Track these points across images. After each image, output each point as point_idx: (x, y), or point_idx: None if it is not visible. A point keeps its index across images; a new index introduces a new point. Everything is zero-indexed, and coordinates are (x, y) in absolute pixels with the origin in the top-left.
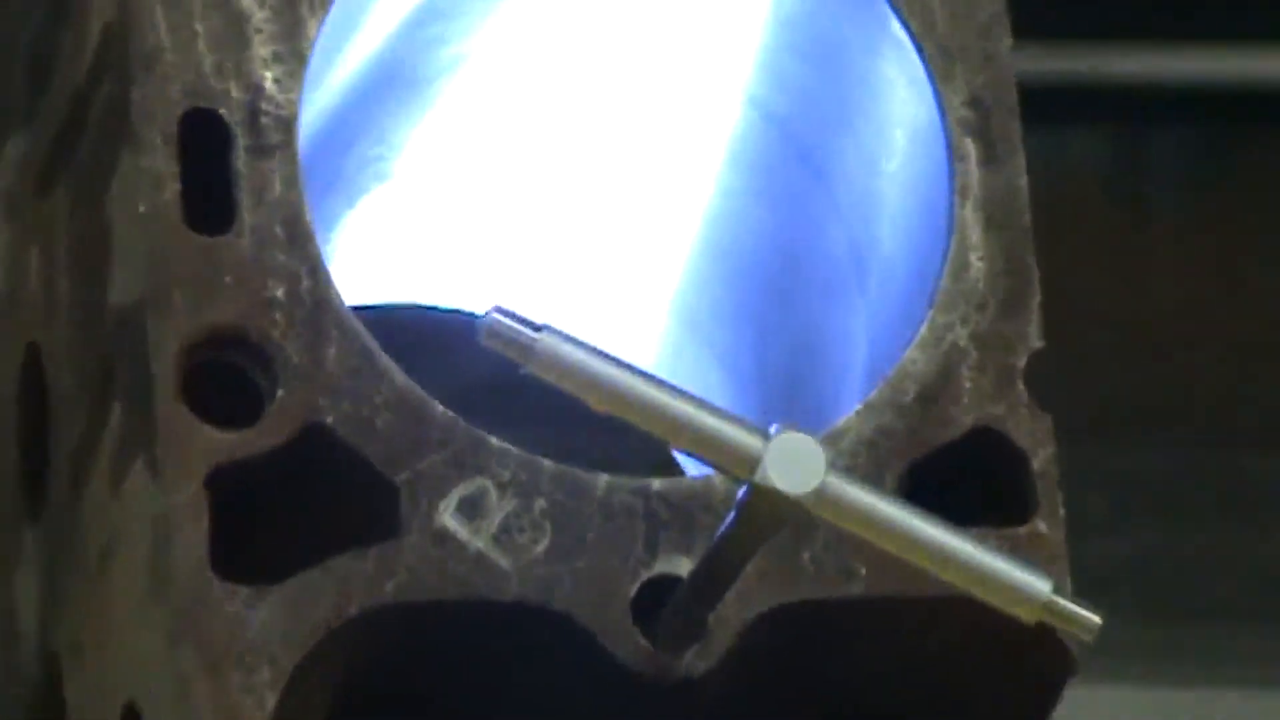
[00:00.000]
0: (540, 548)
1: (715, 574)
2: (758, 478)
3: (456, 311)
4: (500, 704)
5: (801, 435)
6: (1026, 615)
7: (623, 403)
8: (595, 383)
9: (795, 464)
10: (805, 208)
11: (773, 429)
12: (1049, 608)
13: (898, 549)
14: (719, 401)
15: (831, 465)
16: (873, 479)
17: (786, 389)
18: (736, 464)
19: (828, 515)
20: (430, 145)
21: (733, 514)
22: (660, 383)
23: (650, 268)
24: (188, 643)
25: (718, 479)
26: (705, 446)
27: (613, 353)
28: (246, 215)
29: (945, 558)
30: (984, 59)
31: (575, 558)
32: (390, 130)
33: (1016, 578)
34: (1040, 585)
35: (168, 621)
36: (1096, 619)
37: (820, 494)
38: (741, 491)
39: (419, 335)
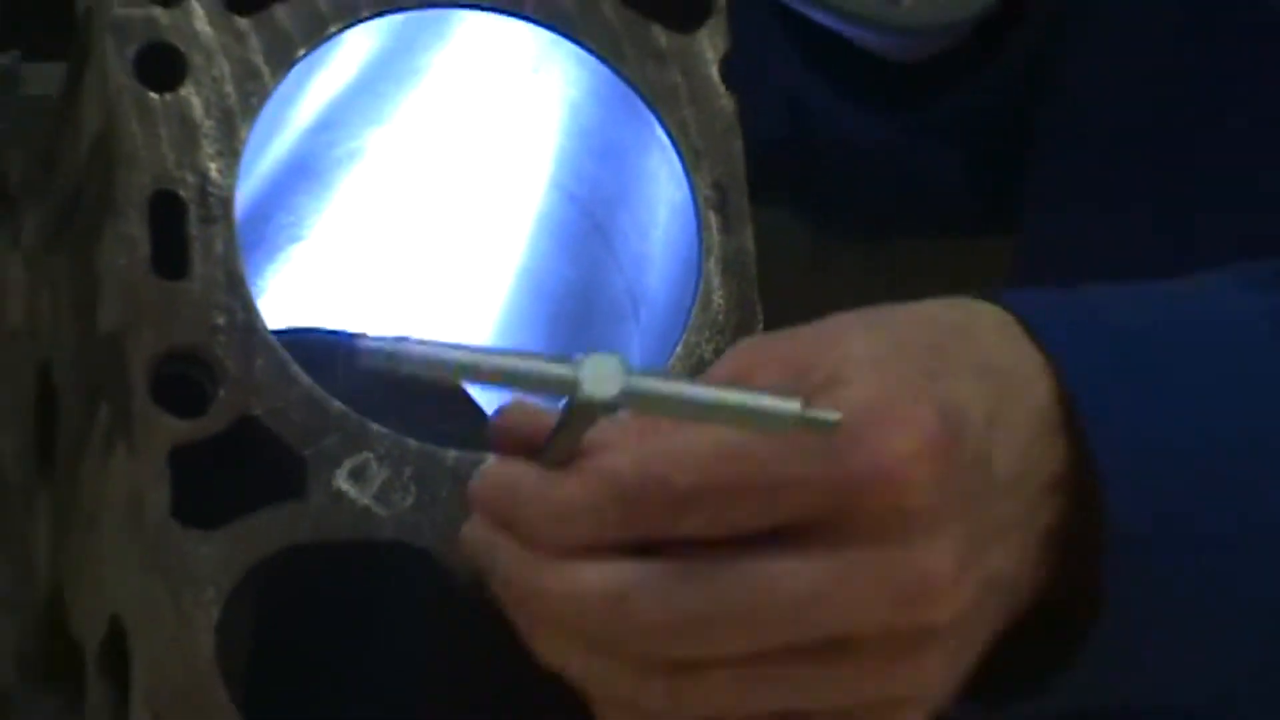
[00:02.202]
0: (408, 503)
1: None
2: (578, 393)
3: (347, 332)
4: (376, 639)
5: (602, 356)
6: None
7: (475, 369)
8: (455, 361)
9: (602, 377)
10: (596, 263)
11: (578, 356)
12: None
13: (696, 417)
14: None
15: (629, 372)
16: None
17: None
18: (560, 386)
19: (637, 408)
20: (328, 214)
21: (556, 425)
22: (496, 349)
23: (485, 306)
24: (155, 571)
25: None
26: (531, 382)
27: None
28: (197, 267)
29: (731, 410)
30: (725, 155)
31: (434, 510)
32: (300, 205)
33: (768, 404)
34: (790, 404)
35: (140, 556)
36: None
37: (627, 393)
38: (564, 404)
39: (320, 350)
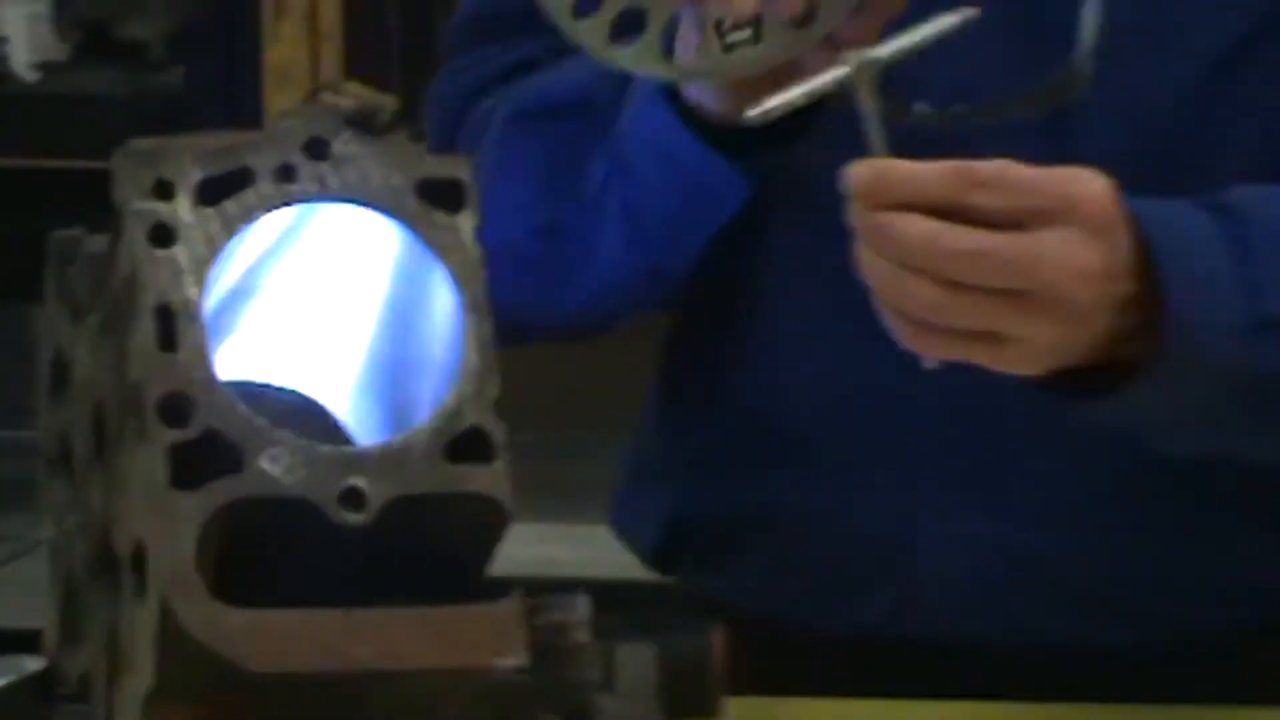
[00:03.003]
0: (304, 474)
1: None
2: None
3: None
4: (286, 552)
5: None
6: None
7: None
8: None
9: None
10: (410, 340)
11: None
12: None
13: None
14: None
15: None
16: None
17: (411, 401)
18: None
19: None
20: (249, 318)
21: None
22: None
23: (348, 364)
24: (160, 513)
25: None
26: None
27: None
28: (182, 346)
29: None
30: (476, 279)
31: (317, 481)
32: (236, 311)
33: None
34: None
35: (152, 505)
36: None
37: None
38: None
39: (251, 393)
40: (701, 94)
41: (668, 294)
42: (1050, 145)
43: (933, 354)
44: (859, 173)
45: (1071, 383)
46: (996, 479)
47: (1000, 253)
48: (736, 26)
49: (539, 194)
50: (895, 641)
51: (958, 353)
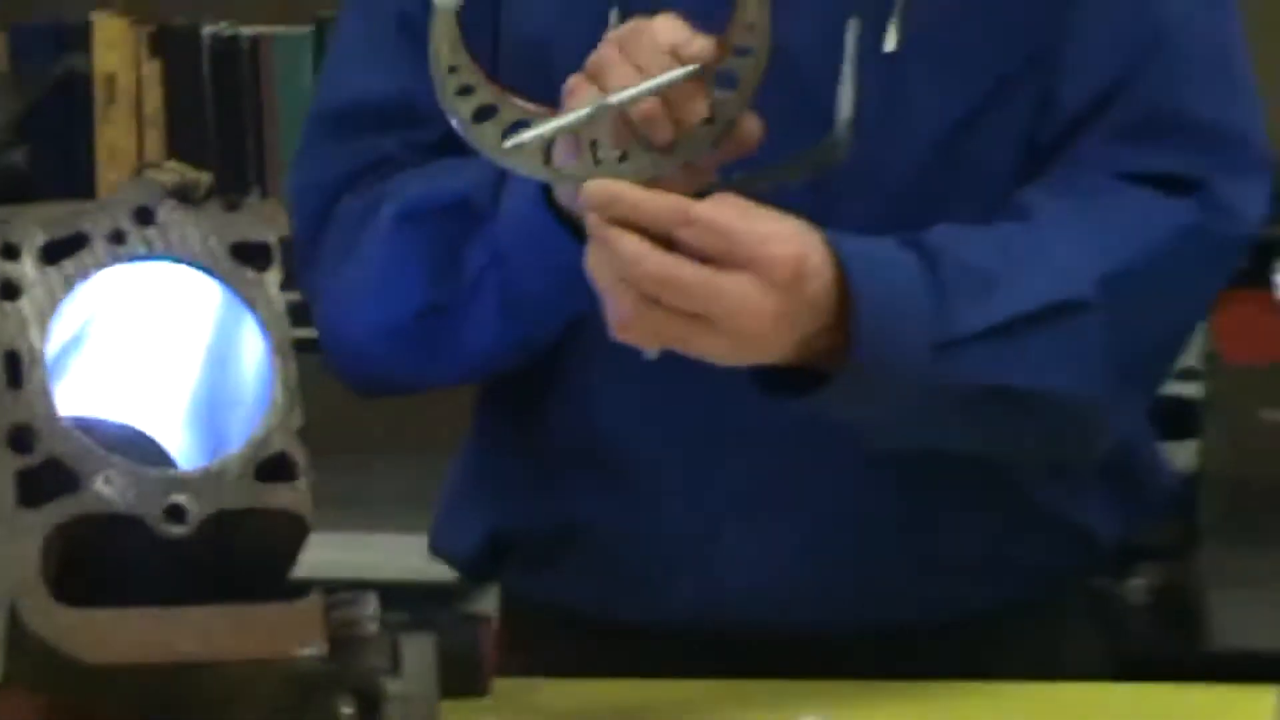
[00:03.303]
0: (131, 494)
1: None
2: None
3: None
4: (117, 559)
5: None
6: None
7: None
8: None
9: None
10: (227, 376)
11: None
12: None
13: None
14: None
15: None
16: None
17: (226, 431)
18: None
19: None
20: (79, 362)
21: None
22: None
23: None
24: (6, 528)
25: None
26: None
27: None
28: (28, 384)
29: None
30: (280, 324)
31: (143, 498)
32: (69, 357)
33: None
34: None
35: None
36: None
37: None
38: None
39: (87, 425)
40: (569, 197)
41: (533, 359)
42: (816, 206)
43: (641, 345)
44: (596, 188)
45: (783, 382)
46: (779, 482)
47: (687, 283)
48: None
49: (424, 281)
50: (696, 630)
51: (658, 344)
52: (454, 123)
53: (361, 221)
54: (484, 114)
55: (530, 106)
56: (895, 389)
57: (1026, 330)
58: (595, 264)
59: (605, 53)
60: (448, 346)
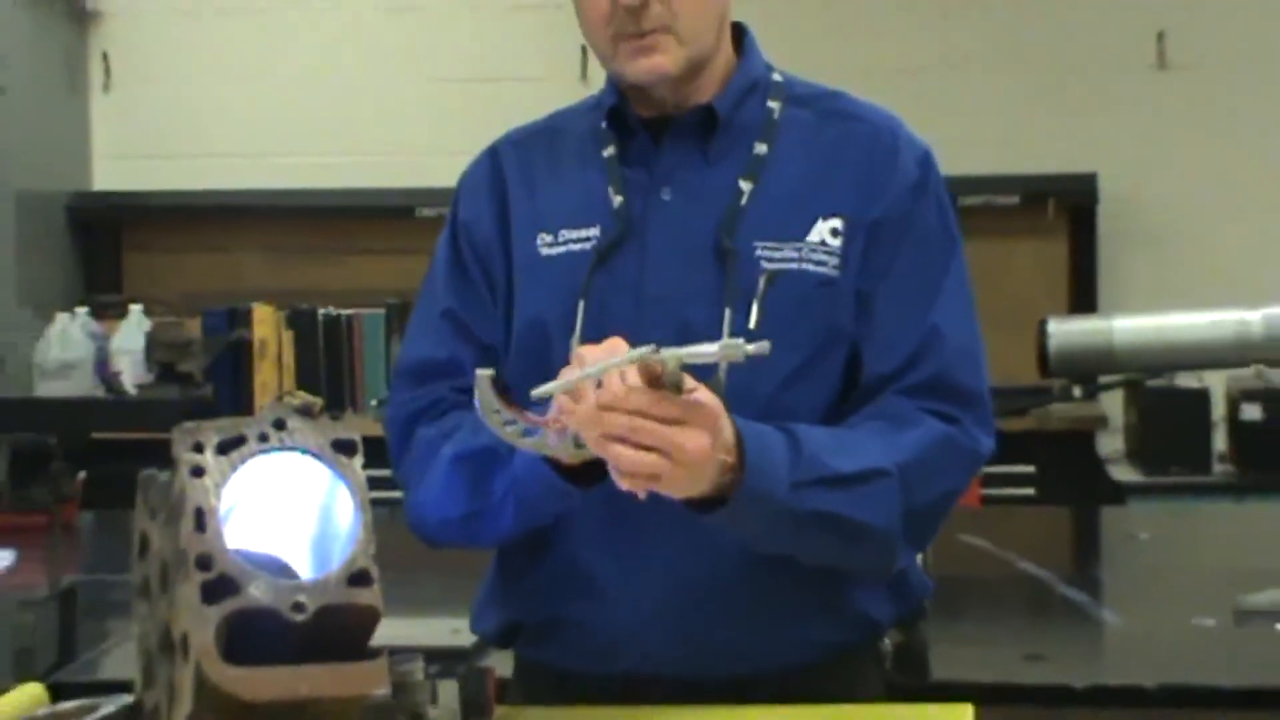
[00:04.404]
0: (272, 594)
1: None
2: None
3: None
4: (262, 651)
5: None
6: None
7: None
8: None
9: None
10: (331, 530)
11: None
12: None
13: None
14: None
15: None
16: None
17: (330, 556)
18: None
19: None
20: (247, 515)
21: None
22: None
23: (300, 535)
24: (194, 617)
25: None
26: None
27: None
28: (207, 529)
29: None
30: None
31: (282, 595)
32: (237, 513)
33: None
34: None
35: (189, 613)
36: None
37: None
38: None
39: (245, 554)
40: (560, 457)
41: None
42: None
43: (635, 489)
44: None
45: (698, 507)
46: (683, 584)
47: (658, 431)
48: None
49: (466, 497)
50: (635, 677)
51: (644, 486)
52: (493, 430)
53: (432, 450)
54: (508, 422)
55: (531, 416)
56: (767, 511)
57: (850, 482)
58: (598, 442)
59: (576, 354)
60: (482, 534)
